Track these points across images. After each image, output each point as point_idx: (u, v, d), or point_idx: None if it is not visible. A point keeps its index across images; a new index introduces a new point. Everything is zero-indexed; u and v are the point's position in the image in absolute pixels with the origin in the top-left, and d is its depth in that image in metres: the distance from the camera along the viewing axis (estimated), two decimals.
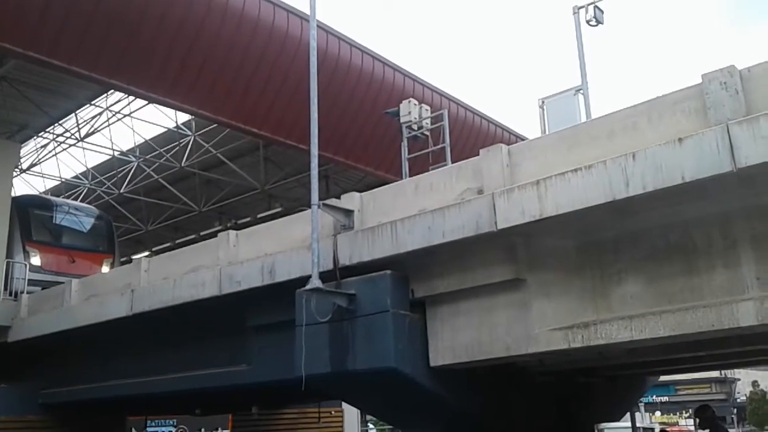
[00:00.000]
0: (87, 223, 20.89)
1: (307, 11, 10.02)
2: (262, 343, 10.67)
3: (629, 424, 20.12)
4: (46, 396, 15.99)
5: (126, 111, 22.43)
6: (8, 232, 18.16)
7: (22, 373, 16.58)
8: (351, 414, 20.94)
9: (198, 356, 12.12)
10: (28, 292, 16.54)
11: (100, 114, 22.44)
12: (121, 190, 26.29)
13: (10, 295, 16.80)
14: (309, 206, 8.84)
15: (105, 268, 19.38)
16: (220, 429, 23.59)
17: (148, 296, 11.95)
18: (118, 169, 25.93)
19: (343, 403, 19.41)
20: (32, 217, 19.43)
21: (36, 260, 18.37)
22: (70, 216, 20.55)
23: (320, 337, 8.64)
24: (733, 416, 44.26)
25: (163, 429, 24.70)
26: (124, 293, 12.46)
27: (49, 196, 24.47)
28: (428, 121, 13.74)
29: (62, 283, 15.62)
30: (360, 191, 9.60)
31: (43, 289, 16.73)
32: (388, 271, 8.42)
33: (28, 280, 17.35)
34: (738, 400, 44.83)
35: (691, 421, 39.29)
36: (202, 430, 24.59)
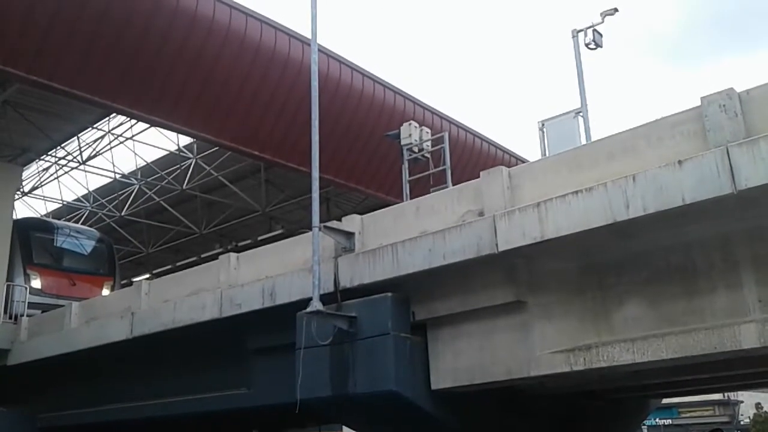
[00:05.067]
0: (88, 245, 20.84)
1: (308, 35, 10.10)
2: (263, 366, 10.62)
3: None
4: (45, 420, 15.86)
5: (128, 134, 22.49)
6: (9, 254, 18.15)
7: (21, 397, 16.47)
8: None
9: (198, 379, 12.05)
10: (28, 315, 16.49)
11: (102, 137, 22.49)
12: (123, 213, 26.28)
13: (10, 318, 16.72)
14: (310, 228, 8.85)
15: (105, 291, 19.29)
16: None
17: (148, 319, 11.92)
18: (120, 192, 25.95)
19: (344, 427, 19.26)
20: (33, 240, 19.38)
21: (37, 283, 18.29)
22: (71, 239, 20.50)
23: (321, 360, 8.61)
24: None
25: None
26: (125, 316, 12.43)
27: (50, 219, 24.44)
28: (429, 143, 13.80)
29: (62, 306, 15.58)
30: (361, 214, 9.61)
31: (43, 312, 16.65)
32: (389, 294, 8.41)
33: (29, 303, 17.28)
34: (741, 423, 44.45)
35: None
36: None
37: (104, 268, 20.52)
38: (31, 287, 17.97)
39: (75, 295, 17.55)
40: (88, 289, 18.72)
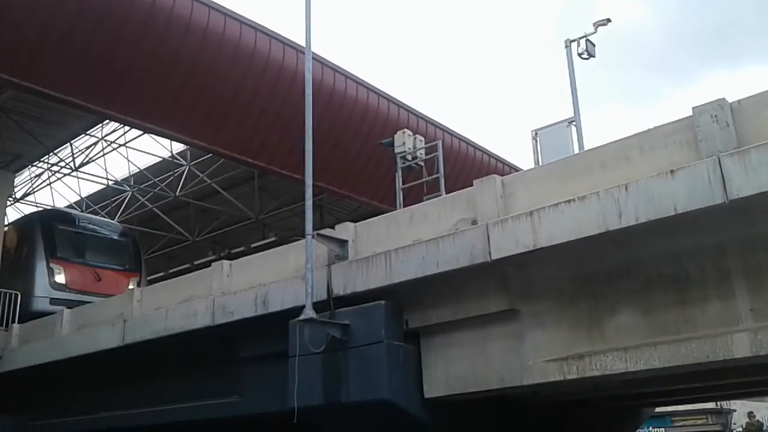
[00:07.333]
0: (113, 239, 19.78)
1: (302, 43, 10.12)
2: (255, 374, 10.57)
3: None
4: (36, 428, 15.74)
5: (121, 141, 22.47)
6: (27, 250, 17.54)
7: (12, 404, 16.34)
8: None
9: (190, 387, 11.99)
10: (51, 313, 15.46)
11: (95, 144, 22.46)
12: (115, 219, 26.18)
13: (7, 324, 16.27)
14: (303, 236, 8.85)
15: (132, 287, 17.89)
16: None
17: (140, 327, 11.87)
18: (113, 199, 25.87)
19: None
20: (57, 232, 18.32)
21: (61, 278, 17.31)
22: (95, 232, 19.45)
23: (313, 368, 8.58)
24: None
25: None
26: (116, 323, 12.37)
27: (73, 211, 23.40)
28: (422, 151, 13.84)
29: (88, 302, 14.93)
30: (354, 221, 9.62)
31: (68, 308, 15.20)
32: (382, 302, 8.40)
33: (53, 299, 16.51)
34: (734, 431, 44.51)
35: None
36: None
37: (130, 263, 19.50)
38: (54, 282, 17.11)
39: (101, 291, 16.76)
40: (114, 284, 17.61)
